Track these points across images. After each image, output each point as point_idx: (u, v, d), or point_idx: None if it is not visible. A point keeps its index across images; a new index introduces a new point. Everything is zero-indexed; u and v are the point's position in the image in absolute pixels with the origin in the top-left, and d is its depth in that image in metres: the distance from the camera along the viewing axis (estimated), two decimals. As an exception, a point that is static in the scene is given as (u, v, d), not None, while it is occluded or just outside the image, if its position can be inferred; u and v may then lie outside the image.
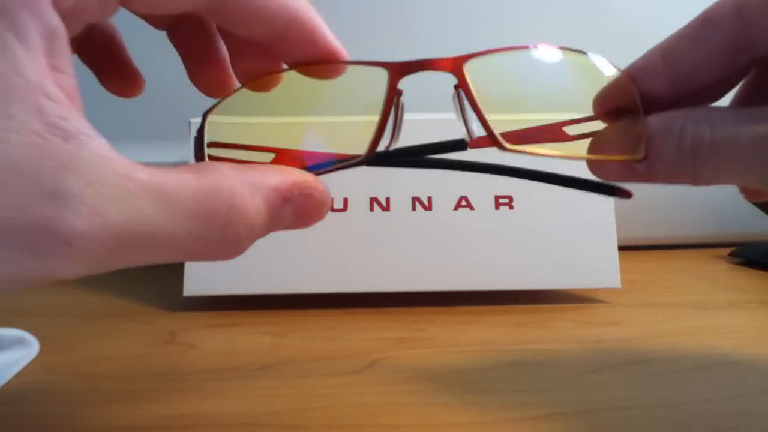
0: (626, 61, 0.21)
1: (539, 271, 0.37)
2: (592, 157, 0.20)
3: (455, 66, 0.18)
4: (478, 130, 0.19)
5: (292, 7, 0.17)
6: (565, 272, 0.37)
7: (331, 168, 0.19)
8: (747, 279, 0.42)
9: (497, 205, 0.37)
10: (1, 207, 0.12)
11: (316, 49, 0.18)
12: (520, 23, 0.52)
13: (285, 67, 0.20)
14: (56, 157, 0.13)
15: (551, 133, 0.20)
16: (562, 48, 0.20)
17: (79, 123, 0.13)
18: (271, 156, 0.20)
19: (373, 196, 0.37)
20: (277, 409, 0.24)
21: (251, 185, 0.16)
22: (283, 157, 0.20)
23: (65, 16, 0.14)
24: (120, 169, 0.13)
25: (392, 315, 0.35)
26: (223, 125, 0.20)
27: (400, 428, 0.22)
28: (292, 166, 0.18)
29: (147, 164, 0.14)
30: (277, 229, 0.17)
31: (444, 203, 0.37)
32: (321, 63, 0.19)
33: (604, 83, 0.20)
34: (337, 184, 0.37)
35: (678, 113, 0.19)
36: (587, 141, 0.20)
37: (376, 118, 0.18)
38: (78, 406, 0.24)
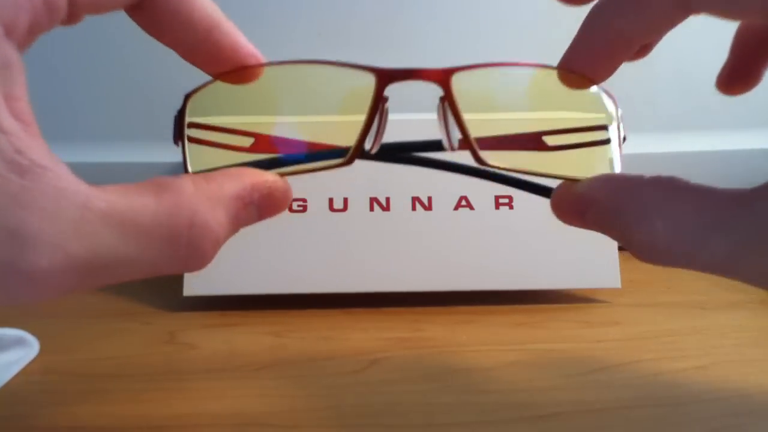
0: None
1: (539, 271, 0.37)
2: (559, 175, 0.20)
3: (443, 78, 0.18)
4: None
5: (213, 15, 0.18)
6: (565, 272, 0.37)
7: (309, 168, 0.19)
8: (747, 279, 0.42)
9: (497, 205, 0.37)
10: None
11: (237, 55, 0.19)
12: (518, 23, 0.52)
13: (262, 62, 0.20)
14: (14, 195, 0.13)
15: (530, 142, 0.21)
16: (548, 66, 0.20)
17: (34, 154, 0.13)
18: (250, 140, 0.20)
19: (373, 196, 0.37)
20: (277, 409, 0.24)
21: (210, 199, 0.16)
22: (261, 142, 0.20)
23: (19, 43, 0.14)
24: (77, 199, 0.14)
25: (392, 315, 0.35)
26: (206, 105, 0.20)
27: (400, 428, 0.22)
28: (270, 151, 0.19)
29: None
30: (242, 227, 0.18)
31: (444, 203, 0.37)
32: (306, 63, 0.19)
33: (588, 101, 0.21)
34: (337, 184, 0.37)
35: (626, 192, 0.18)
36: (563, 153, 0.21)
37: (359, 118, 0.19)
38: (78, 406, 0.24)
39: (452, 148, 0.20)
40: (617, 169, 0.21)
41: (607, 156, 0.21)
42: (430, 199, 0.37)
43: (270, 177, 0.18)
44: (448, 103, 0.19)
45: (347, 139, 0.19)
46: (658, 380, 0.26)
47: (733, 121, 0.47)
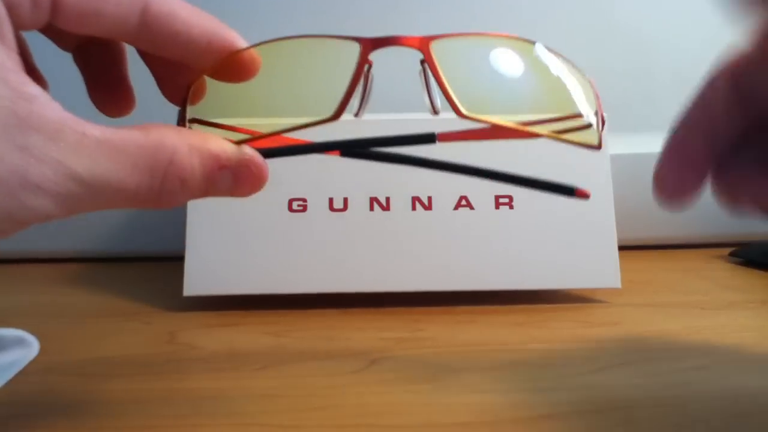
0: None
1: (539, 271, 0.37)
2: (549, 135, 0.20)
3: (422, 43, 0.19)
4: (443, 105, 0.20)
5: (211, 26, 0.20)
6: (565, 272, 0.37)
7: (300, 125, 0.20)
8: (747, 279, 0.42)
9: (497, 205, 0.37)
10: None
11: (237, 61, 0.20)
12: (518, 22, 0.52)
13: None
14: (22, 117, 0.15)
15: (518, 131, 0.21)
16: (527, 40, 0.21)
17: (35, 89, 0.15)
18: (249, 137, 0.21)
19: (373, 196, 0.37)
20: (277, 409, 0.24)
21: (191, 146, 0.18)
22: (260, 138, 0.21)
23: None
24: (76, 126, 0.16)
25: (392, 315, 0.35)
26: (207, 100, 0.21)
27: (400, 428, 0.22)
28: (267, 144, 0.20)
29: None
30: (217, 194, 0.19)
31: (444, 203, 0.37)
32: (299, 37, 0.20)
33: (564, 77, 0.21)
34: (337, 184, 0.37)
35: None
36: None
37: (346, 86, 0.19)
38: (78, 406, 0.24)
39: (435, 111, 0.21)
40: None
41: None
42: (430, 199, 0.37)
43: (249, 151, 0.19)
44: (428, 65, 0.19)
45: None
46: (658, 380, 0.26)
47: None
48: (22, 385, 0.26)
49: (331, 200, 0.37)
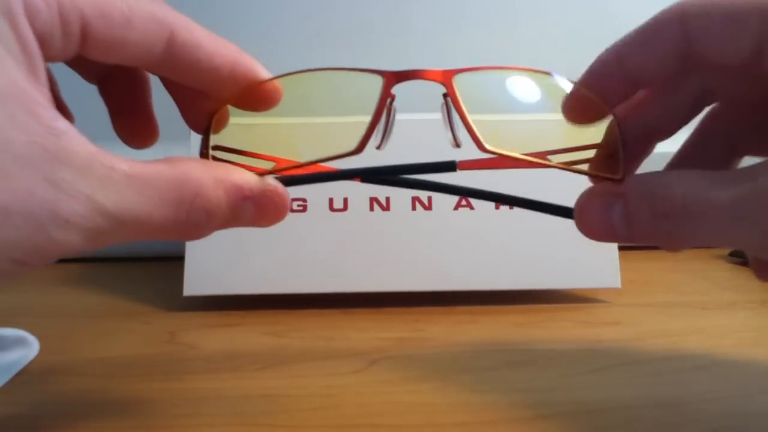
0: None
1: (539, 271, 0.37)
2: (565, 167, 0.20)
3: (445, 77, 0.20)
4: (464, 137, 0.20)
5: (233, 55, 0.20)
6: (565, 272, 0.37)
7: (323, 158, 0.20)
8: (747, 279, 0.42)
9: (497, 205, 0.37)
10: (13, 193, 0.14)
11: (259, 91, 0.20)
12: (518, 24, 0.52)
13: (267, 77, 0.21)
14: (53, 152, 0.15)
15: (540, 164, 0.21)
16: (548, 73, 0.21)
17: (64, 124, 0.16)
18: (271, 164, 0.21)
19: (373, 196, 0.37)
20: (277, 409, 0.24)
21: (216, 179, 0.18)
22: (281, 165, 0.21)
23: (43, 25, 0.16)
24: (105, 161, 0.16)
25: (392, 315, 0.35)
26: (229, 127, 0.21)
27: (400, 428, 0.22)
28: (290, 174, 0.20)
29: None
30: (240, 224, 0.19)
31: (444, 203, 0.37)
32: (321, 70, 0.20)
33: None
34: (337, 184, 0.37)
35: (652, 176, 0.19)
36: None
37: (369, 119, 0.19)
38: (78, 406, 0.24)
39: (457, 143, 0.20)
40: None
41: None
42: (430, 199, 0.37)
43: (272, 182, 0.20)
44: (450, 98, 0.20)
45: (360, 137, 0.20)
46: (658, 380, 0.26)
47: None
48: (22, 385, 0.26)
49: (331, 200, 0.37)
